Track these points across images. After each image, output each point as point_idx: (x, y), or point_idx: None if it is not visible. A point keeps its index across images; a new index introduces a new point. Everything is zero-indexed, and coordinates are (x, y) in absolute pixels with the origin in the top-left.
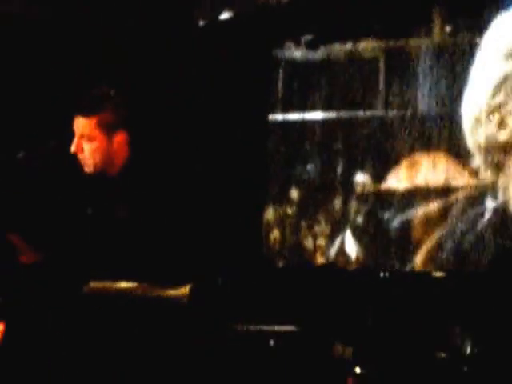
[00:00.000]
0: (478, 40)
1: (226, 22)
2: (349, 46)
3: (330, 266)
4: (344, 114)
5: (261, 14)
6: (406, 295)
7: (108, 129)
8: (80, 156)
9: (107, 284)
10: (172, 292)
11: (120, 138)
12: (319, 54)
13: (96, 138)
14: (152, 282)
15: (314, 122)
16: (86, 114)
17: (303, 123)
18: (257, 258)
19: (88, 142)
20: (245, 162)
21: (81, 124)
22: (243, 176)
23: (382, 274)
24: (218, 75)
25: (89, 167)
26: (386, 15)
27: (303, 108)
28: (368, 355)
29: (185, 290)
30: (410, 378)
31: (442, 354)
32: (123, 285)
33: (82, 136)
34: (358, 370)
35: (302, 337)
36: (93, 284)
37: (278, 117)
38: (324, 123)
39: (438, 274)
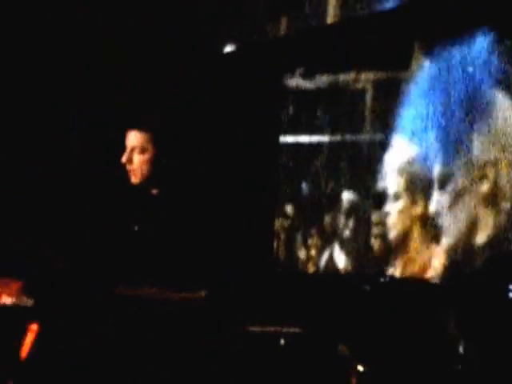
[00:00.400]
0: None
1: (234, 53)
2: (340, 77)
3: (333, 273)
4: (335, 137)
5: (262, 47)
6: (403, 299)
7: (160, 143)
8: (128, 167)
9: (135, 289)
10: (191, 296)
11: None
12: (315, 83)
13: (147, 152)
14: (174, 287)
15: (306, 145)
16: (142, 128)
17: (299, 146)
18: (265, 267)
19: (139, 155)
20: (254, 182)
21: (134, 137)
22: (254, 193)
23: (381, 280)
24: (234, 103)
25: (136, 178)
26: (373, 51)
27: (299, 132)
28: (369, 354)
29: (202, 294)
30: (407, 376)
31: (438, 354)
32: (149, 290)
33: (133, 148)
34: (360, 368)
35: (309, 337)
36: (123, 289)
37: (288, 139)
38: (315, 146)
39: (431, 280)
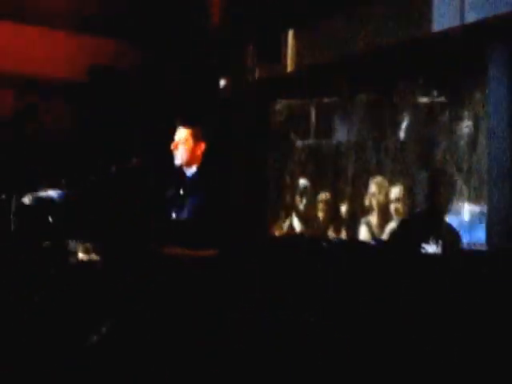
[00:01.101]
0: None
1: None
2: (297, 102)
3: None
4: (299, 142)
5: (247, 85)
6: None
7: (196, 138)
8: (175, 152)
9: (170, 248)
10: (208, 253)
11: (201, 147)
12: (282, 106)
13: (188, 143)
14: (196, 247)
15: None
16: (187, 125)
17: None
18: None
19: (182, 145)
20: (252, 171)
21: (181, 132)
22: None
23: (323, 243)
24: (235, 118)
25: (178, 160)
26: (317, 86)
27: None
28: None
29: (215, 252)
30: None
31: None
32: (180, 249)
33: (179, 140)
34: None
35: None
36: (164, 248)
37: None
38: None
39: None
